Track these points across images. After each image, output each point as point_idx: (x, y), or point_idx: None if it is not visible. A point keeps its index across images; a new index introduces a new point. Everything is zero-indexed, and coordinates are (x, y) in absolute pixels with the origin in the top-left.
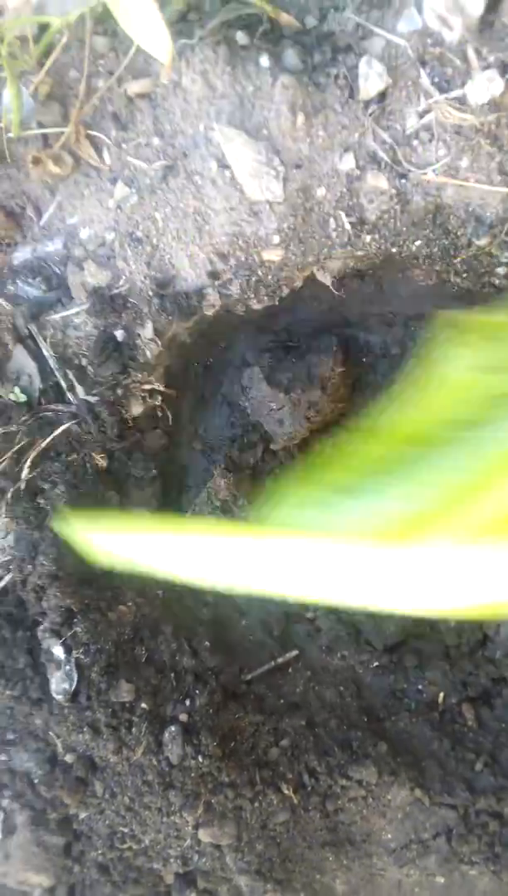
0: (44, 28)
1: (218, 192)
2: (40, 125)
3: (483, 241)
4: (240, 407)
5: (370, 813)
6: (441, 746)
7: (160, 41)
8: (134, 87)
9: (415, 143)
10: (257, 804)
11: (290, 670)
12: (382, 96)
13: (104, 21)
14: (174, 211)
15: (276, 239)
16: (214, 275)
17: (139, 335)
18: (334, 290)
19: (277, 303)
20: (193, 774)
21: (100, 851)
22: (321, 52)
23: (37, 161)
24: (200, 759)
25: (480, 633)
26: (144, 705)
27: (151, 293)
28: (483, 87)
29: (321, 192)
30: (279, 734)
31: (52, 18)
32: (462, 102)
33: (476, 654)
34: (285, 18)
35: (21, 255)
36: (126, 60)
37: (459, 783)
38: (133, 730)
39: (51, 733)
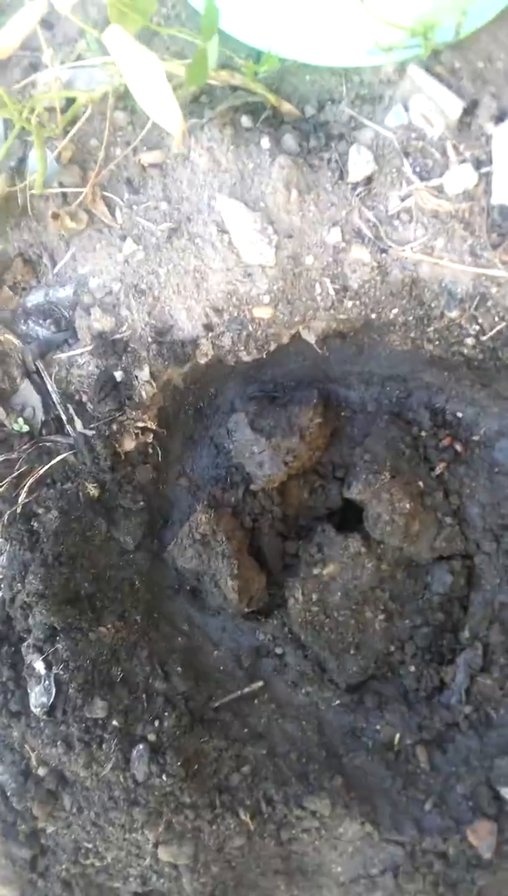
0: (71, 101)
1: (216, 253)
2: (61, 185)
3: (454, 314)
4: (225, 449)
5: (323, 844)
6: (394, 785)
7: (173, 118)
8: (147, 158)
9: (396, 222)
10: (215, 827)
11: (256, 701)
12: (368, 180)
13: (125, 98)
14: (176, 268)
15: (266, 299)
16: (208, 327)
17: (137, 377)
18: (317, 348)
19: (264, 356)
20: (156, 793)
21: (64, 867)
22: (316, 137)
23: (55, 216)
24: (164, 778)
25: (437, 679)
26: (115, 723)
27: (150, 340)
28: (458, 178)
29: (309, 259)
30: (241, 761)
31: (79, 93)
32: (439, 190)
33: (433, 699)
34: (287, 107)
35: (34, 298)
36: (142, 133)
37: (408, 821)
38: (104, 746)
39: (26, 746)
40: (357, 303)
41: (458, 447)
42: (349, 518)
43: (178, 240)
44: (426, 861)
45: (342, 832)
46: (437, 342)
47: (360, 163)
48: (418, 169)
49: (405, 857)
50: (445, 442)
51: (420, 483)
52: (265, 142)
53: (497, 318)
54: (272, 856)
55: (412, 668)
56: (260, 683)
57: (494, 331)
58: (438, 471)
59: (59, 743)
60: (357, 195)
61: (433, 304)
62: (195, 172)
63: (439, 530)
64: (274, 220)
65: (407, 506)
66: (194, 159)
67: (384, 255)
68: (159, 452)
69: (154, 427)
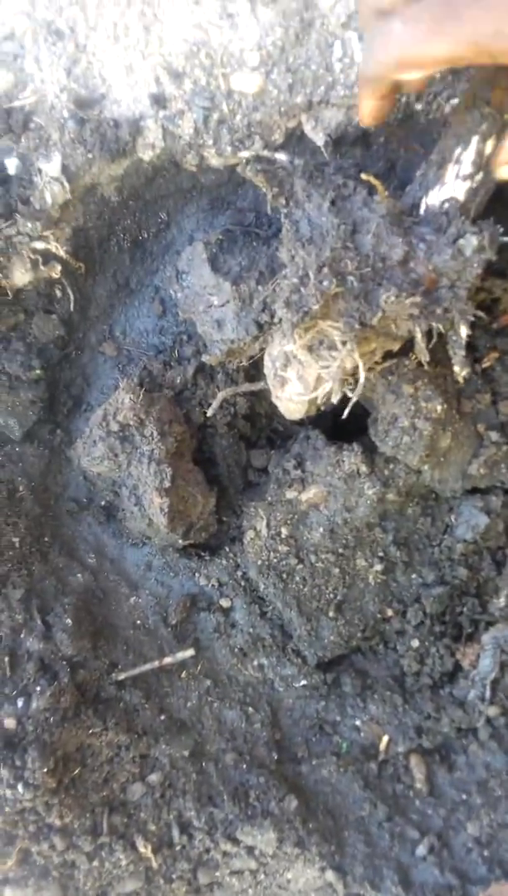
0: None
1: None
2: None
3: None
4: (174, 305)
5: (260, 894)
6: (374, 814)
7: None
8: None
9: None
10: (97, 863)
11: (183, 675)
12: None
13: None
14: None
15: (254, 59)
16: (159, 100)
17: (40, 171)
18: (325, 154)
19: (246, 153)
20: (7, 809)
21: None
22: None
23: None
24: (20, 788)
25: (451, 662)
26: None
27: (66, 114)
28: None
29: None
30: (148, 765)
31: None
32: None
33: (441, 689)
34: None
35: None
36: None
37: (390, 871)
38: None
39: None
40: None
41: None
42: (347, 424)
43: None
44: None
45: (291, 880)
46: None
47: None
48: None
49: None
50: (502, 321)
51: (460, 379)
52: None
53: None
54: None
55: (415, 643)
56: (191, 652)
57: None
58: (486, 363)
59: None
60: None
61: None
62: None
63: (478, 450)
64: None
65: (438, 408)
66: None
67: None
68: (73, 299)
69: (65, 255)
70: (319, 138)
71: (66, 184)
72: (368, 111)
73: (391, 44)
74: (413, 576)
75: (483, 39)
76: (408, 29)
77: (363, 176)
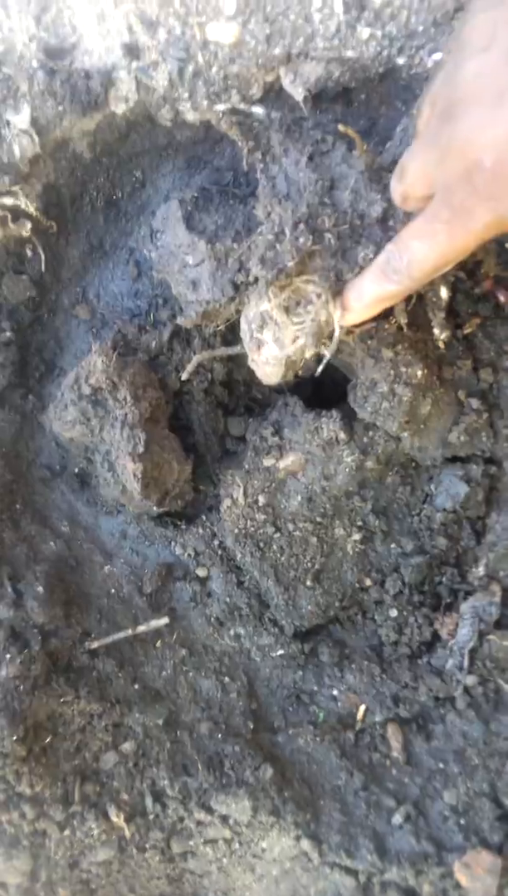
0: None
1: None
2: None
3: None
4: (149, 266)
5: (234, 864)
6: (350, 782)
7: None
8: None
9: None
10: (68, 832)
11: (158, 644)
12: None
13: None
14: None
15: (231, 7)
16: (132, 50)
17: (8, 123)
18: (304, 109)
19: (221, 105)
20: None
21: None
22: None
23: None
24: None
25: (429, 632)
26: None
27: (35, 64)
28: None
29: None
30: (122, 734)
31: None
32: None
33: (419, 659)
34: None
35: None
36: None
37: (366, 840)
38: None
39: None
40: (378, 33)
41: (501, 296)
42: (327, 390)
43: None
44: None
45: (266, 848)
46: None
47: None
48: None
49: (356, 890)
50: (484, 286)
51: (441, 344)
52: None
53: None
54: (155, 876)
55: (394, 613)
56: (166, 620)
57: None
58: (468, 329)
59: None
60: None
61: None
62: None
63: (458, 417)
64: None
65: (418, 373)
66: None
67: None
68: (44, 259)
69: (35, 213)
70: (298, 93)
71: (35, 137)
72: (361, 317)
73: (412, 267)
74: (392, 545)
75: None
76: (426, 247)
77: (341, 128)
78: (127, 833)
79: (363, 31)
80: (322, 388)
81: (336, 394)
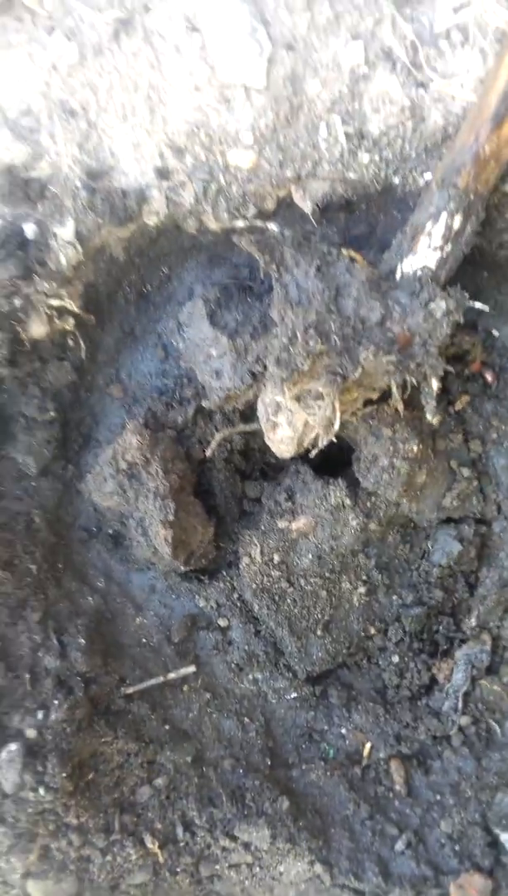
0: None
1: (182, 63)
2: None
3: None
4: (176, 352)
5: (255, 885)
6: (358, 813)
7: None
8: None
9: (443, 44)
10: (109, 857)
11: (185, 689)
12: None
13: None
14: (123, 81)
15: (248, 138)
16: (163, 173)
17: (55, 235)
18: (313, 221)
19: (239, 224)
20: (29, 810)
21: None
22: None
23: None
24: (41, 791)
25: (427, 676)
26: None
27: (78, 184)
28: None
29: (314, 86)
30: (155, 770)
31: None
32: None
33: (419, 700)
34: None
35: None
36: None
37: (372, 864)
38: None
39: None
40: (376, 157)
41: (488, 376)
42: (334, 460)
43: (128, 38)
44: None
45: (283, 872)
46: (481, 228)
47: None
48: None
49: None
50: (472, 368)
51: (433, 423)
52: None
53: None
54: None
55: (396, 659)
56: (192, 668)
57: None
58: (458, 406)
59: None
60: None
61: None
62: None
63: (451, 484)
64: (270, 19)
65: (414, 448)
66: None
67: (421, 90)
68: (84, 347)
69: (76, 310)
70: (307, 206)
71: (78, 247)
72: None
73: None
74: (394, 597)
75: None
76: None
77: (345, 252)
78: (161, 858)
79: (364, 157)
80: (330, 452)
81: (342, 458)
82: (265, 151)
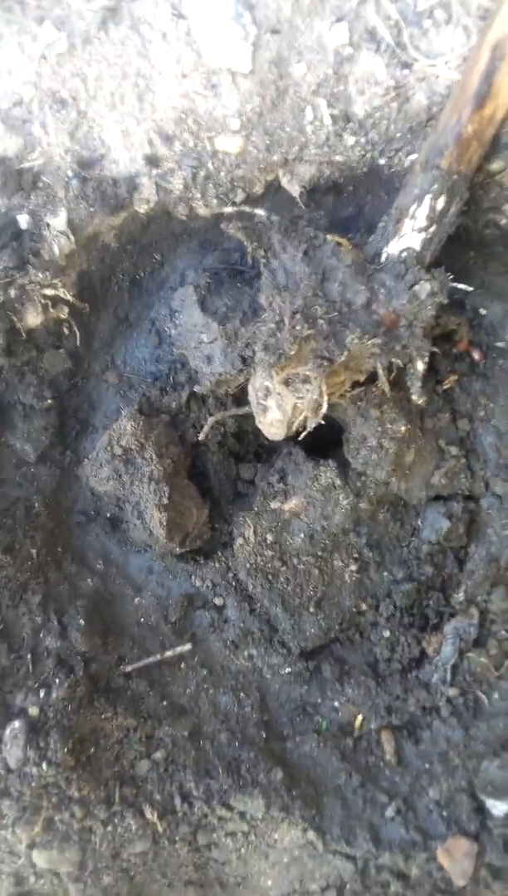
0: None
1: (169, 49)
2: None
3: (495, 166)
4: (170, 337)
5: (251, 853)
6: (349, 782)
7: None
8: None
9: (427, 23)
10: (110, 828)
11: (182, 666)
12: None
13: None
14: (111, 69)
15: (235, 123)
16: (152, 160)
17: (48, 225)
18: (301, 204)
19: (229, 209)
20: (33, 783)
21: None
22: None
23: None
24: (44, 766)
25: (417, 650)
26: None
27: (70, 173)
28: None
29: (299, 69)
30: (153, 744)
31: None
32: None
33: (409, 673)
34: None
35: None
36: None
37: (363, 830)
38: None
39: None
40: (362, 139)
41: (476, 354)
42: (325, 440)
43: (116, 27)
44: (381, 880)
45: (277, 839)
46: (466, 207)
47: None
48: None
49: (355, 873)
50: (459, 347)
51: (419, 403)
52: None
53: None
54: (184, 864)
55: (387, 633)
56: (188, 646)
57: None
58: (446, 385)
59: None
60: None
61: None
62: None
63: (439, 463)
64: (254, 2)
65: (402, 428)
66: None
67: (405, 71)
68: (78, 335)
69: (71, 298)
70: (294, 190)
71: (71, 236)
72: None
73: None
74: (385, 574)
75: None
76: None
77: (329, 238)
78: (159, 828)
79: (349, 139)
80: (322, 433)
81: (333, 437)
82: (252, 136)
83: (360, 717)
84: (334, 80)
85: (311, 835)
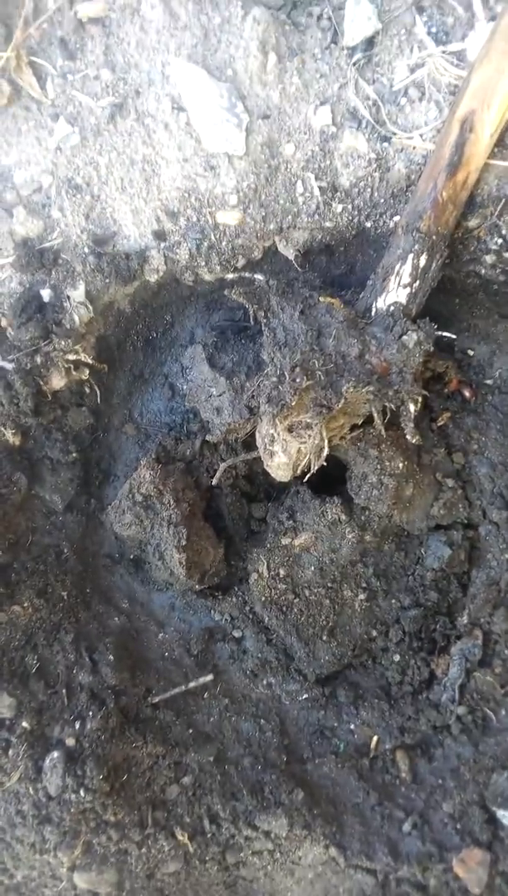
0: None
1: (171, 138)
2: None
3: (472, 223)
4: (181, 390)
5: (276, 870)
6: (367, 800)
7: None
8: (86, 9)
9: (402, 101)
10: (144, 850)
11: (205, 696)
12: (369, 44)
13: None
14: (120, 157)
15: (233, 199)
16: (160, 235)
17: (69, 297)
18: (297, 266)
19: (231, 275)
20: (72, 809)
21: None
22: None
23: None
24: (81, 792)
25: (426, 672)
26: (25, 724)
27: (86, 250)
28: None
29: (289, 148)
30: (181, 770)
31: None
32: (460, 58)
33: (420, 695)
34: None
35: None
36: None
37: (382, 845)
38: (10, 752)
39: None
40: (349, 206)
41: (466, 392)
42: (329, 479)
43: (123, 120)
44: (401, 892)
45: (301, 856)
46: (448, 261)
47: (359, 19)
48: (434, 29)
49: (376, 887)
50: (451, 386)
51: (414, 441)
52: None
53: None
54: (214, 882)
55: (397, 658)
56: (210, 677)
57: None
58: (440, 422)
59: None
60: (354, 63)
61: None
62: (146, 30)
63: (437, 494)
64: (245, 94)
65: (400, 465)
66: (144, 13)
67: (385, 144)
68: (99, 393)
69: (90, 361)
70: (290, 253)
71: (89, 306)
72: None
73: None
74: (392, 601)
75: None
76: None
77: (322, 298)
78: (190, 849)
79: (337, 206)
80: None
81: (338, 480)
82: (250, 209)
83: (375, 738)
84: (321, 156)
85: (333, 851)
